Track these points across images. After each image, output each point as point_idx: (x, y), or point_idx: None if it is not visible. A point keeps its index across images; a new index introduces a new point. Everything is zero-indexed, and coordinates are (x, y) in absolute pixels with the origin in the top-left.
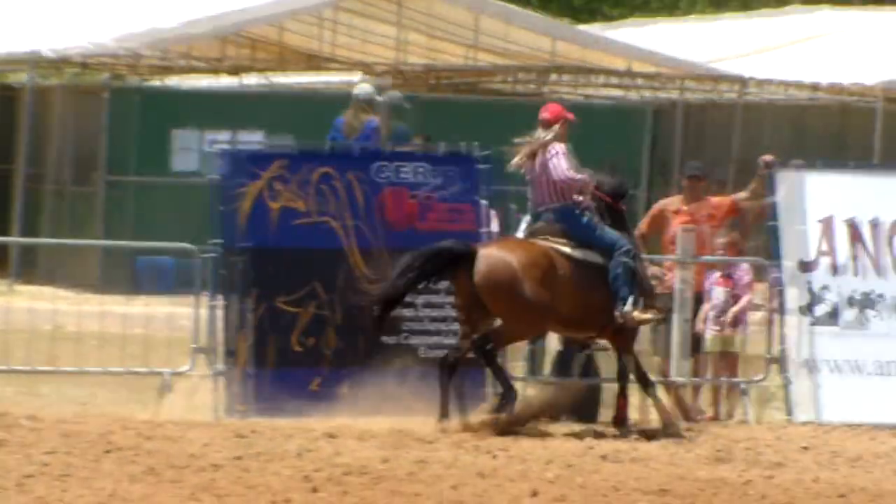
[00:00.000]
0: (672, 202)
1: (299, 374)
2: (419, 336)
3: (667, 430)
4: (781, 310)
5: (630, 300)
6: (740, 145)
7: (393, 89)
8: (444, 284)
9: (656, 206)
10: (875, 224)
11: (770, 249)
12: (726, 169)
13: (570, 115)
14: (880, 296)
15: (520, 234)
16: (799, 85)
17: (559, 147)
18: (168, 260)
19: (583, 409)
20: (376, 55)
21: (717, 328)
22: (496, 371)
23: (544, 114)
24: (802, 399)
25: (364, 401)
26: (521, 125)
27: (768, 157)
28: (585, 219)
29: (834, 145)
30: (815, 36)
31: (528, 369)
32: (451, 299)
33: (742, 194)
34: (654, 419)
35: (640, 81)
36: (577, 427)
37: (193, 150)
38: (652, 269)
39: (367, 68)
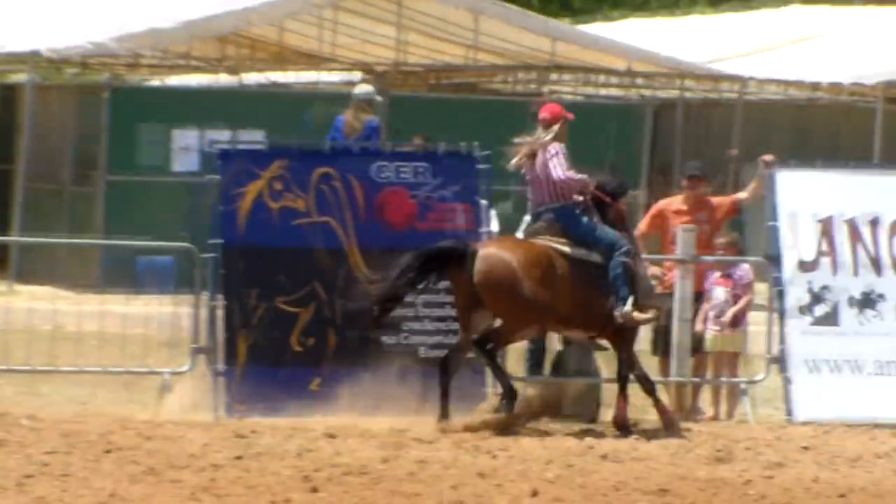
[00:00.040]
0: (672, 202)
1: (299, 374)
2: (419, 336)
3: (667, 430)
4: (781, 309)
5: (630, 300)
6: (740, 145)
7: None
8: (444, 284)
9: (656, 206)
10: (875, 224)
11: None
12: (726, 168)
13: (570, 115)
14: (880, 295)
15: (519, 233)
16: (799, 84)
17: (558, 147)
18: (168, 260)
19: (571, 407)
20: (376, 55)
21: (717, 328)
22: (496, 371)
23: (543, 113)
24: (802, 399)
25: (364, 401)
26: (521, 125)
27: (768, 157)
28: (585, 219)
29: (834, 145)
30: (815, 35)
31: (527, 369)
32: (451, 299)
33: (742, 194)
34: (653, 419)
35: (639, 81)
36: (576, 426)
37: (194, 150)
38: (652, 269)
39: (367, 68)
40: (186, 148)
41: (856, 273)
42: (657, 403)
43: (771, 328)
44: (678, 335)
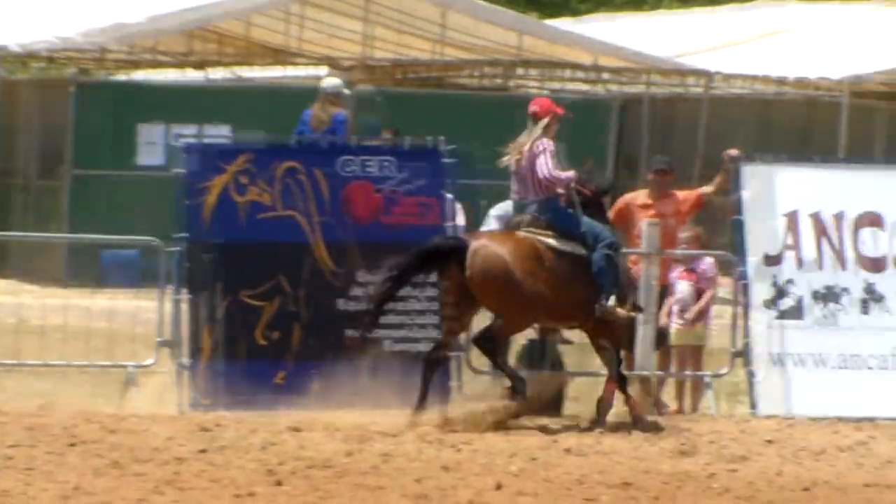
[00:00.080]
0: (638, 196)
1: (264, 368)
2: (384, 330)
3: (637, 425)
4: (746, 303)
5: (613, 294)
6: (706, 139)
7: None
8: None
9: (622, 200)
10: (839, 218)
11: (735, 244)
12: (693, 163)
13: (560, 110)
14: (844, 290)
15: (489, 226)
16: (765, 79)
17: (547, 143)
18: (133, 254)
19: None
20: (343, 50)
21: (682, 322)
22: (500, 365)
23: (534, 108)
24: (767, 393)
25: (329, 395)
26: (487, 119)
27: (733, 152)
28: (570, 211)
29: (800, 139)
30: (782, 31)
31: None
32: (416, 293)
33: (707, 188)
34: (621, 412)
35: (606, 76)
36: (541, 420)
37: (159, 145)
38: None
39: (333, 63)
40: (152, 142)
41: (820, 267)
42: (628, 399)
43: (735, 322)
44: (642, 329)
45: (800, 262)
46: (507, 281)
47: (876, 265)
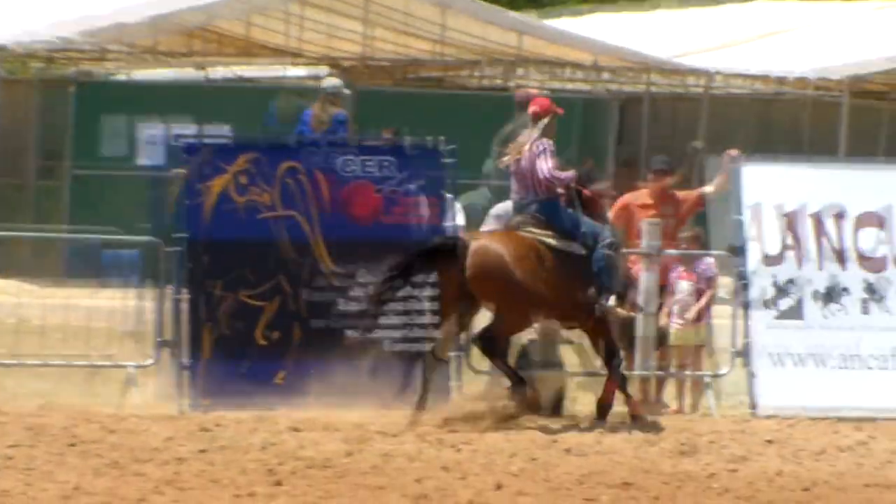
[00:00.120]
0: (638, 195)
1: (264, 368)
2: (384, 330)
3: (636, 424)
4: (746, 303)
5: (613, 294)
6: (706, 139)
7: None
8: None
9: (622, 200)
10: (840, 217)
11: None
12: (691, 161)
13: (559, 110)
14: (845, 289)
15: (485, 226)
16: (765, 79)
17: (546, 143)
18: (133, 253)
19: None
20: (343, 50)
21: (681, 321)
22: (500, 365)
23: (533, 107)
24: (767, 393)
25: (329, 394)
26: (487, 119)
27: (734, 152)
28: (570, 211)
29: (799, 139)
30: (782, 30)
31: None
32: (416, 293)
33: (708, 188)
34: (621, 412)
35: (606, 75)
36: (540, 420)
37: (158, 144)
38: None
39: (333, 63)
40: (153, 142)
41: (820, 267)
42: (628, 398)
43: (735, 322)
44: (643, 328)
45: (800, 262)
46: (507, 281)
47: (876, 265)
